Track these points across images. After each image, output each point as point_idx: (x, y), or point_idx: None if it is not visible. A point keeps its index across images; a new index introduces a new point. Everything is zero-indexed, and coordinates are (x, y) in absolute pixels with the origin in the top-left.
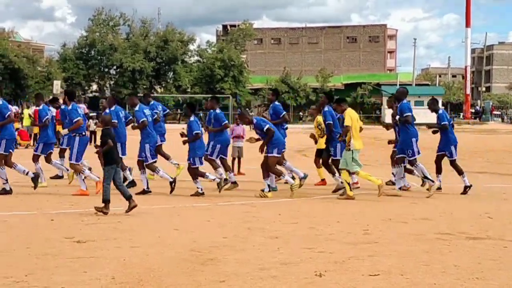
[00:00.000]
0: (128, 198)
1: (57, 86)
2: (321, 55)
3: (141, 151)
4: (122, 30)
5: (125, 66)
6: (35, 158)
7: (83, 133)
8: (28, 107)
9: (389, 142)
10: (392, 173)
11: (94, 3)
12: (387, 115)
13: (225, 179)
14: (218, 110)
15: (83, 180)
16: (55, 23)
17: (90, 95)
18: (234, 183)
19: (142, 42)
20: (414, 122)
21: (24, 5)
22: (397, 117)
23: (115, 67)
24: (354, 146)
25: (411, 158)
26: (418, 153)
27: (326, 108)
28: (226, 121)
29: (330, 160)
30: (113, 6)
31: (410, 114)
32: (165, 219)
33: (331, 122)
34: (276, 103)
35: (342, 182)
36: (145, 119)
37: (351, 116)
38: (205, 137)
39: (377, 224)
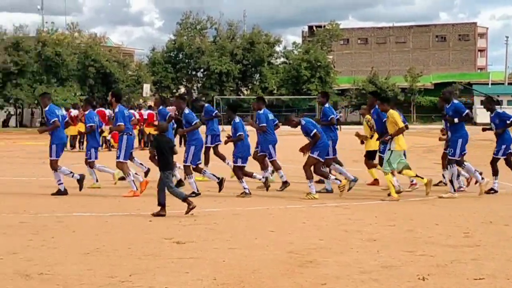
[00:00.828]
0: (161, 204)
1: (147, 90)
2: (409, 54)
3: (186, 152)
4: (209, 33)
5: (212, 68)
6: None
7: (130, 133)
8: None
9: (440, 139)
10: (443, 175)
11: (181, 7)
12: (479, 114)
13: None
14: (261, 111)
15: (133, 181)
16: (144, 27)
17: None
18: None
19: (228, 45)
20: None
21: (114, 11)
22: (456, 119)
23: (202, 70)
24: (394, 147)
25: (450, 157)
26: (459, 155)
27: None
28: (264, 124)
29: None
30: (200, 9)
31: (467, 111)
32: (260, 221)
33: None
34: (326, 105)
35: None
36: (197, 120)
37: (397, 117)
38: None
39: (477, 227)
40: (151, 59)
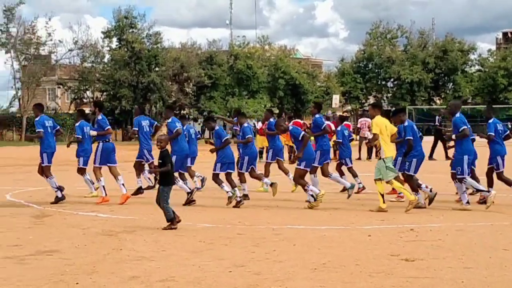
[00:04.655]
0: (170, 220)
1: (336, 100)
2: None
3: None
4: (399, 42)
5: (403, 78)
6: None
7: (107, 140)
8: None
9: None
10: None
11: (367, 18)
12: None
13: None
14: (246, 124)
15: (103, 187)
16: (329, 38)
17: (366, 108)
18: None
19: (420, 53)
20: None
21: (299, 23)
22: (453, 135)
23: (392, 80)
24: (385, 154)
25: (459, 176)
26: (468, 173)
27: (406, 123)
28: (250, 135)
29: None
30: (388, 18)
31: (466, 127)
32: (488, 237)
33: (411, 138)
34: (317, 116)
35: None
36: (178, 128)
37: (378, 124)
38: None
39: None
40: (340, 70)
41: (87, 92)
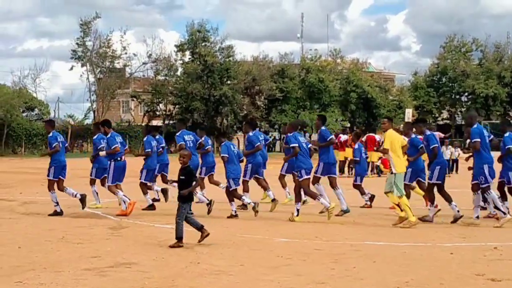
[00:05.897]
0: (200, 228)
1: (409, 114)
2: None
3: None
4: (474, 55)
5: (478, 92)
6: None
7: (119, 159)
8: None
9: (470, 168)
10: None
11: (440, 31)
12: None
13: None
14: (251, 133)
15: (124, 201)
16: (400, 52)
17: (441, 122)
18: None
19: (495, 67)
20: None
21: (371, 37)
22: (467, 141)
23: (466, 94)
24: (396, 168)
25: (483, 185)
26: (491, 179)
27: (428, 132)
28: (259, 143)
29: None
30: (464, 31)
31: (478, 140)
32: None
33: (436, 145)
34: (323, 128)
35: (458, 211)
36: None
37: (389, 137)
38: None
39: None
40: (413, 84)
41: (160, 105)
